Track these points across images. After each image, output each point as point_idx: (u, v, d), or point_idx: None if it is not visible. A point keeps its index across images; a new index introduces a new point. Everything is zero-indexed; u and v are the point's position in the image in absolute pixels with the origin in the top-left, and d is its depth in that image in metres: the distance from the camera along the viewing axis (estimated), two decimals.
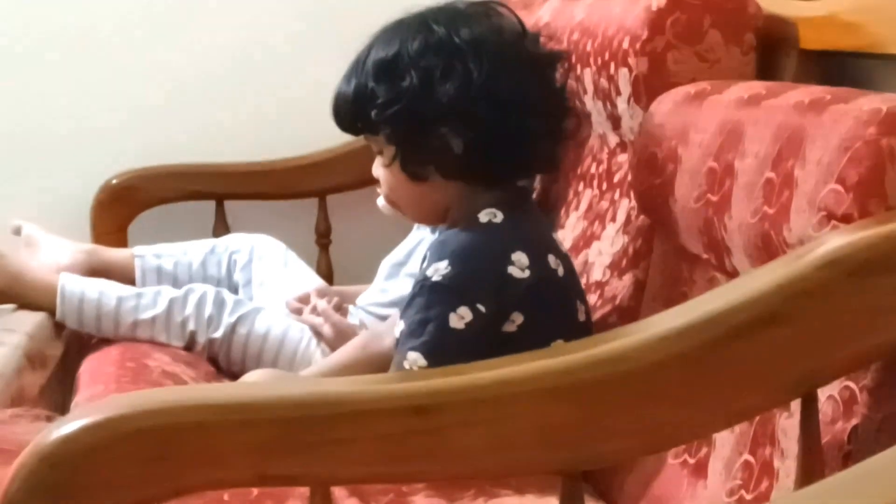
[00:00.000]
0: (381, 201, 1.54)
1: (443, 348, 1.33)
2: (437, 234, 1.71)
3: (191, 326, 1.83)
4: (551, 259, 1.39)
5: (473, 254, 1.36)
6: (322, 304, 1.83)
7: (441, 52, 1.39)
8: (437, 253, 1.38)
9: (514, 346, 1.31)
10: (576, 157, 1.85)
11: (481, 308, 1.34)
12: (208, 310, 1.83)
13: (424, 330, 1.34)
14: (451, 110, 1.38)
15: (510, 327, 1.37)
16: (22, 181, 2.29)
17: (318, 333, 1.81)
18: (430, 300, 1.35)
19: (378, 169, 1.48)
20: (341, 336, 1.77)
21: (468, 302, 1.34)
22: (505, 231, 1.38)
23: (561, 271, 1.40)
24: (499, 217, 1.39)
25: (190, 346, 1.84)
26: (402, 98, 1.39)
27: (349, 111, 1.46)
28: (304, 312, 1.85)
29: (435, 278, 1.35)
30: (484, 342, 1.34)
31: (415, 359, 1.33)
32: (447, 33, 1.41)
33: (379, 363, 1.53)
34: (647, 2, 1.53)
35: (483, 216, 1.39)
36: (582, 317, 1.43)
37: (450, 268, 1.35)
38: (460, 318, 1.34)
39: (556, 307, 1.39)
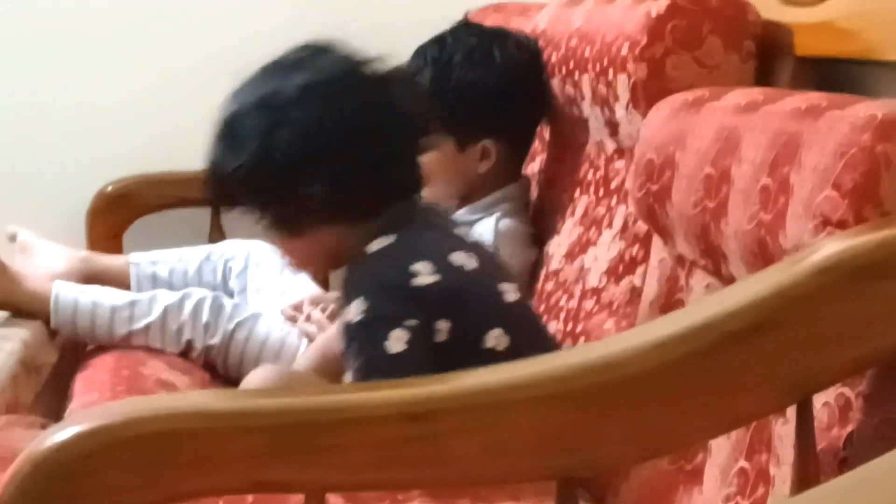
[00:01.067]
0: None
1: (397, 374, 1.31)
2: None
3: (187, 335, 1.83)
4: (456, 256, 1.40)
5: (378, 278, 1.38)
6: (316, 313, 1.82)
7: (270, 109, 1.42)
8: (347, 295, 1.39)
9: (453, 353, 1.35)
10: (573, 164, 1.85)
11: (411, 322, 1.34)
12: (205, 316, 1.83)
13: (368, 373, 1.34)
14: (295, 161, 1.40)
15: (441, 336, 1.37)
16: (17, 187, 2.29)
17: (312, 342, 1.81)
18: (361, 342, 1.36)
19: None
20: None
21: (396, 324, 1.34)
22: (398, 249, 1.39)
23: (471, 264, 1.40)
24: (390, 239, 1.40)
25: (186, 352, 1.83)
26: (246, 164, 1.42)
27: (210, 189, 1.51)
28: (298, 321, 1.85)
29: (355, 319, 1.36)
30: (425, 353, 1.34)
31: None
32: (274, 88, 1.45)
33: (337, 367, 1.53)
34: (646, 8, 1.53)
35: (374, 246, 1.40)
36: (511, 297, 1.43)
37: (364, 303, 1.35)
38: (398, 339, 1.34)
39: (477, 299, 1.40)
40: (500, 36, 1.91)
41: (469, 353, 1.36)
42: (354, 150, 1.40)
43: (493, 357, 1.36)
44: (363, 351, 1.35)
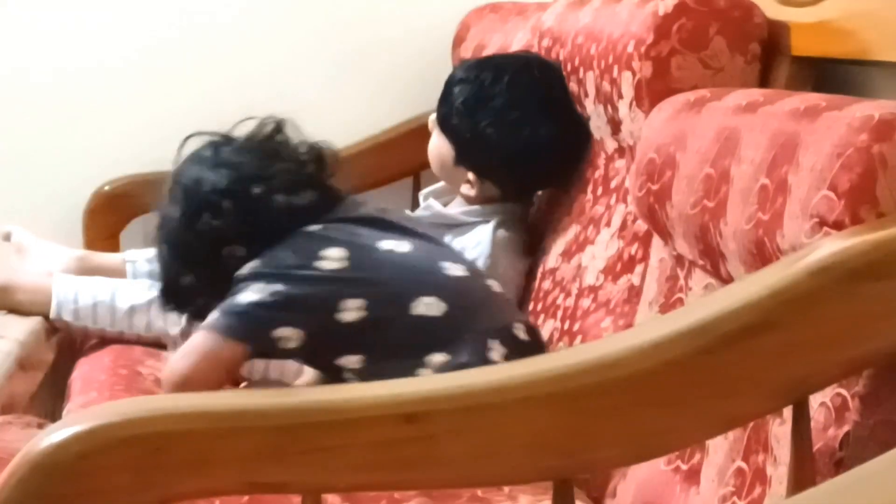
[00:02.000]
0: None
1: (235, 311, 1.45)
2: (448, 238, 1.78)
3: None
4: (386, 243, 1.50)
5: (281, 254, 1.49)
6: None
7: (185, 201, 1.57)
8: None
9: (377, 323, 1.45)
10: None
11: (278, 286, 1.44)
12: None
13: (217, 315, 1.46)
14: (209, 241, 1.53)
15: (350, 316, 1.44)
16: (15, 187, 2.29)
17: None
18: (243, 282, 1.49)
19: None
20: None
21: (262, 281, 1.46)
22: (318, 235, 1.50)
23: (405, 248, 1.50)
24: (317, 226, 1.51)
25: (188, 331, 1.84)
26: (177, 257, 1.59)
27: None
28: None
29: (251, 269, 1.49)
30: (280, 322, 1.44)
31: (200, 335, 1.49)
32: (190, 183, 1.58)
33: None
34: (654, 7, 1.53)
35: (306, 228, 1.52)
36: (453, 272, 1.50)
37: (255, 262, 1.49)
38: (257, 290, 1.44)
39: (401, 274, 1.48)
40: (550, 103, 1.82)
41: (396, 322, 1.45)
42: (246, 210, 1.52)
43: (424, 323, 1.45)
44: (231, 293, 1.47)
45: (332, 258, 1.46)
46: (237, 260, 1.50)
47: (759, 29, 1.52)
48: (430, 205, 1.93)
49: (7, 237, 2.15)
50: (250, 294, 1.45)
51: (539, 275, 1.80)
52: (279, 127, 1.62)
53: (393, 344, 1.45)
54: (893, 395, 0.95)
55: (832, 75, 1.47)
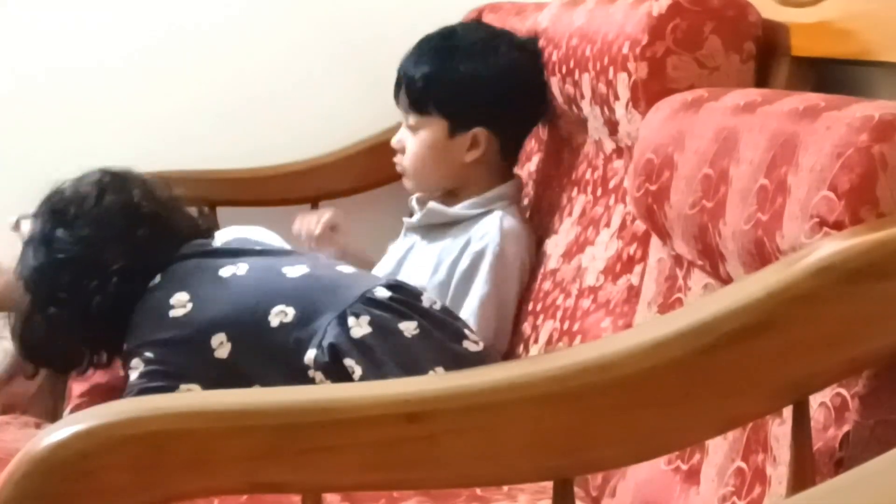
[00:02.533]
0: None
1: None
2: (427, 242, 1.79)
3: None
4: (225, 270, 1.57)
5: (143, 314, 1.57)
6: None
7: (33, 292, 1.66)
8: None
9: (248, 347, 1.51)
10: (571, 163, 1.85)
11: (149, 354, 1.53)
12: None
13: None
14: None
15: (224, 350, 1.52)
16: (13, 187, 2.29)
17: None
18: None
19: None
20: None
21: (138, 354, 1.54)
22: (159, 287, 1.58)
23: (244, 268, 1.57)
24: (156, 280, 1.59)
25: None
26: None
27: None
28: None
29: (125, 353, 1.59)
30: (211, 379, 1.50)
31: None
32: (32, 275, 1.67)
33: None
34: (648, 7, 1.53)
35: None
36: (294, 273, 1.57)
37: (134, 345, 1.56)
38: (135, 367, 1.53)
39: (248, 294, 1.54)
40: (504, 34, 1.94)
41: (261, 338, 1.51)
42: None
43: (286, 331, 1.51)
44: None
45: (179, 304, 1.53)
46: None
47: (754, 28, 1.52)
48: (430, 207, 1.93)
49: (16, 227, 2.15)
50: (134, 374, 1.51)
51: (540, 276, 1.80)
52: (103, 189, 1.67)
53: (272, 360, 1.51)
54: (893, 395, 0.95)
55: (832, 76, 1.47)
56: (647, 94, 1.51)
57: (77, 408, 1.63)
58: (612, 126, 1.65)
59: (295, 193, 2.40)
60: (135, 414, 0.84)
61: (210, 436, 0.83)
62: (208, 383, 1.50)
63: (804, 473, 0.92)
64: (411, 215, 1.98)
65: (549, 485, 0.89)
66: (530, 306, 1.79)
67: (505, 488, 1.34)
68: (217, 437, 0.83)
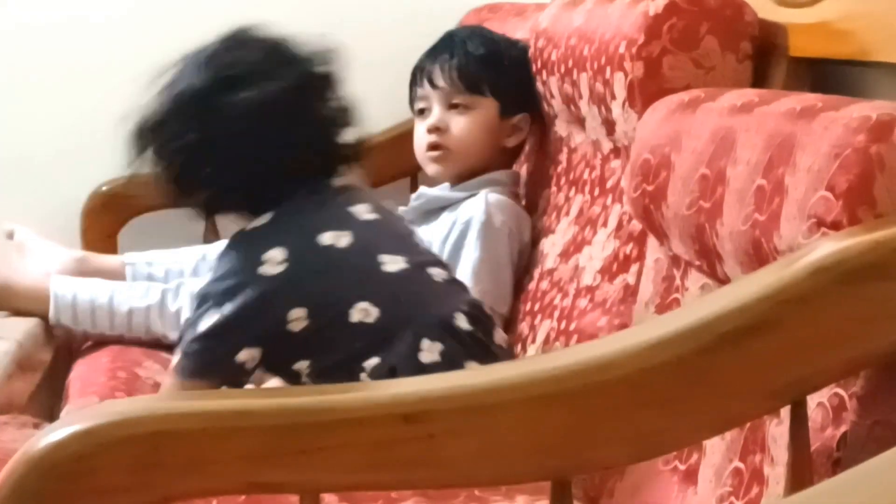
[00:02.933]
0: None
1: (193, 350, 1.47)
2: (421, 226, 1.79)
3: (186, 315, 1.83)
4: (326, 237, 1.48)
5: (230, 261, 1.50)
6: None
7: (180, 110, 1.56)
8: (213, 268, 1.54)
9: (320, 333, 1.45)
10: (569, 163, 1.85)
11: (228, 308, 1.45)
12: None
13: (183, 349, 1.48)
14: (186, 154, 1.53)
15: (300, 325, 1.45)
16: (11, 188, 2.29)
17: None
18: (191, 316, 1.51)
19: None
20: None
21: (215, 305, 1.46)
22: (262, 232, 1.50)
23: (345, 241, 1.49)
24: (265, 219, 1.50)
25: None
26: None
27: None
28: None
29: (196, 291, 1.51)
30: (237, 345, 1.45)
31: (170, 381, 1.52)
32: (183, 87, 1.59)
33: None
34: (644, 7, 1.54)
35: (251, 224, 1.51)
36: (393, 266, 1.50)
37: (210, 277, 1.50)
38: (208, 319, 1.46)
39: (339, 276, 1.47)
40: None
41: (337, 330, 1.46)
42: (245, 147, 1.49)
43: (362, 330, 1.45)
44: (187, 326, 1.49)
45: (273, 261, 1.46)
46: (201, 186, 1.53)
47: (750, 27, 1.52)
48: (421, 192, 1.94)
49: (9, 236, 2.15)
50: (205, 323, 1.46)
51: (537, 275, 1.80)
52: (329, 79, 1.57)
53: (335, 350, 1.47)
54: (891, 396, 0.95)
55: (830, 76, 1.47)
56: (644, 93, 1.51)
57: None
58: (610, 126, 1.65)
59: None
60: (132, 414, 0.84)
61: (208, 436, 0.83)
62: (266, 353, 1.47)
63: (802, 473, 0.92)
64: None
65: (548, 485, 0.90)
66: (528, 306, 1.79)
67: (503, 489, 1.34)
68: (215, 437, 0.83)
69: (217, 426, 0.84)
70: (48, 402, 1.84)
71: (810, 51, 1.47)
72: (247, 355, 1.46)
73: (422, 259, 1.56)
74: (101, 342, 1.89)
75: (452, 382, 0.89)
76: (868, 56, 1.37)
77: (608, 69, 1.59)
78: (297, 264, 1.46)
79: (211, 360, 1.47)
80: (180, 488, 0.84)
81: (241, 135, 1.49)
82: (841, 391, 0.97)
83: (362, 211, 1.54)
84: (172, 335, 1.85)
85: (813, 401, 0.98)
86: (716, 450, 1.15)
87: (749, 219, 1.11)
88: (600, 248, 1.64)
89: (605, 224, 1.66)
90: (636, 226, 1.54)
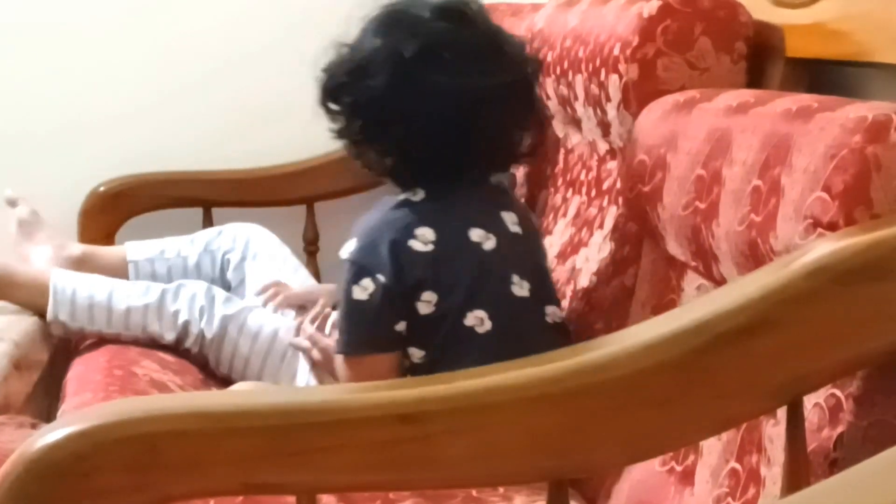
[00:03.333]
0: None
1: (352, 321, 1.46)
2: None
3: (183, 317, 1.83)
4: (475, 233, 1.48)
5: (376, 228, 1.47)
6: (310, 328, 1.81)
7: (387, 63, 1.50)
8: (355, 230, 1.50)
9: (437, 324, 1.44)
10: (565, 165, 1.85)
11: (381, 278, 1.44)
12: (199, 302, 1.84)
13: (341, 309, 1.48)
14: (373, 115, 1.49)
15: (427, 309, 1.45)
16: (10, 187, 2.29)
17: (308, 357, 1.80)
18: (343, 279, 1.47)
19: None
20: (330, 359, 1.78)
21: (368, 273, 1.44)
22: (416, 207, 1.48)
23: (490, 245, 1.48)
24: (419, 195, 1.49)
25: (182, 337, 1.84)
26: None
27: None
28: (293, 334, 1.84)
29: (344, 256, 1.47)
30: (395, 315, 1.44)
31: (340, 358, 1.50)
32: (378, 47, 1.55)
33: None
34: (638, 9, 1.54)
35: (403, 195, 1.50)
36: (519, 291, 1.49)
37: (356, 244, 1.46)
38: (363, 289, 1.44)
39: (476, 279, 1.46)
40: None
41: (449, 327, 1.45)
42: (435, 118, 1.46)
43: (469, 336, 1.45)
44: (340, 290, 1.48)
45: (422, 239, 1.45)
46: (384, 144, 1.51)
47: (744, 28, 1.52)
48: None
49: (12, 203, 2.15)
50: (359, 293, 1.44)
51: None
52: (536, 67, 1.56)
53: (441, 346, 1.46)
54: (887, 396, 0.95)
55: (826, 77, 1.47)
56: (639, 95, 1.52)
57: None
58: (605, 127, 1.65)
59: (289, 194, 2.40)
60: (130, 415, 0.84)
61: (205, 437, 0.83)
62: (408, 327, 1.46)
63: (798, 474, 0.92)
64: None
65: (545, 486, 0.90)
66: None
67: (501, 489, 1.34)
68: (212, 438, 0.83)
69: (214, 427, 0.84)
70: (45, 402, 1.84)
71: (807, 51, 1.47)
72: (402, 326, 1.46)
73: (543, 294, 1.54)
74: (98, 342, 1.89)
75: (449, 383, 0.89)
76: (865, 57, 1.37)
77: (603, 71, 1.59)
78: (444, 249, 1.46)
79: (375, 337, 1.47)
80: (178, 489, 0.84)
81: (445, 113, 1.47)
82: (837, 392, 0.97)
83: (510, 221, 1.53)
84: (169, 336, 1.85)
85: (809, 401, 0.98)
86: (712, 450, 1.15)
87: (745, 219, 1.11)
88: (596, 249, 1.64)
89: (601, 226, 1.66)
90: (633, 227, 1.54)
